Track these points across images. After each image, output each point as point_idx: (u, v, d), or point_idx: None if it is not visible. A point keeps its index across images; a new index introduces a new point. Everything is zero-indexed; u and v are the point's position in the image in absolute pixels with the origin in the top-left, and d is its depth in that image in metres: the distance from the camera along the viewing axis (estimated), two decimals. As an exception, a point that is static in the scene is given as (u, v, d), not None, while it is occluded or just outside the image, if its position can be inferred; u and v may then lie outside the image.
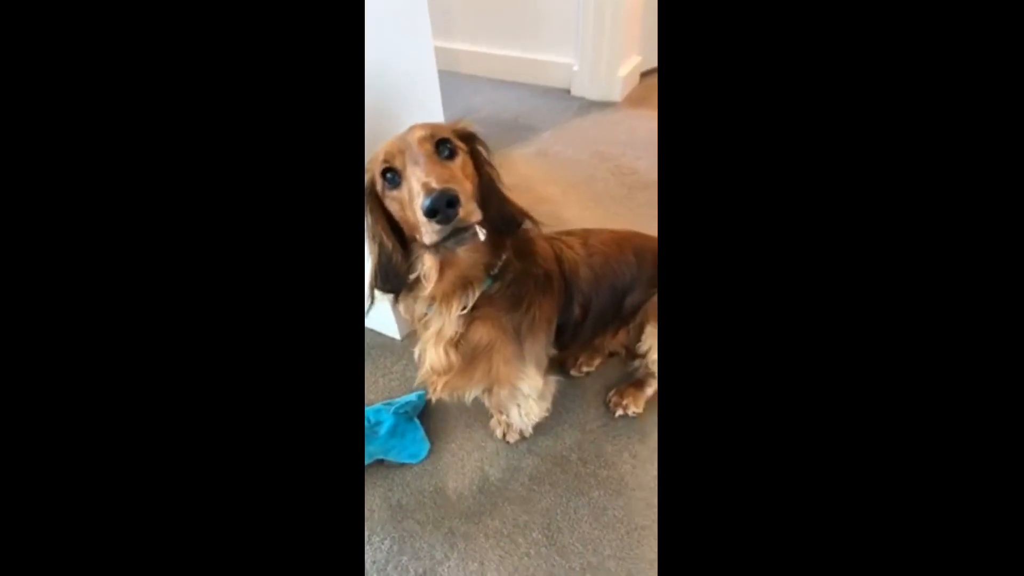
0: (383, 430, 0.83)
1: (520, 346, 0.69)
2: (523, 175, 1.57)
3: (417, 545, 0.75)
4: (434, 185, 0.52)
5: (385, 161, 0.58)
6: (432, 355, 0.69)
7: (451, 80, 2.23)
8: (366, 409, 0.87)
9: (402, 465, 0.84)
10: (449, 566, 0.72)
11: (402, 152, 0.57)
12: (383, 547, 0.75)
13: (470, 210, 0.54)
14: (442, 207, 0.51)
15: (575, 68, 1.96)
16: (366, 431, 0.83)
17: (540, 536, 0.75)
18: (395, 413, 0.85)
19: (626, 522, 0.75)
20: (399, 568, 0.72)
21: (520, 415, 0.80)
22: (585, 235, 0.79)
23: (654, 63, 2.07)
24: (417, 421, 0.86)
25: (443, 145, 0.58)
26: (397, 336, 1.07)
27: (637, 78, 2.04)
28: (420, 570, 0.72)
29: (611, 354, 0.97)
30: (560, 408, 0.90)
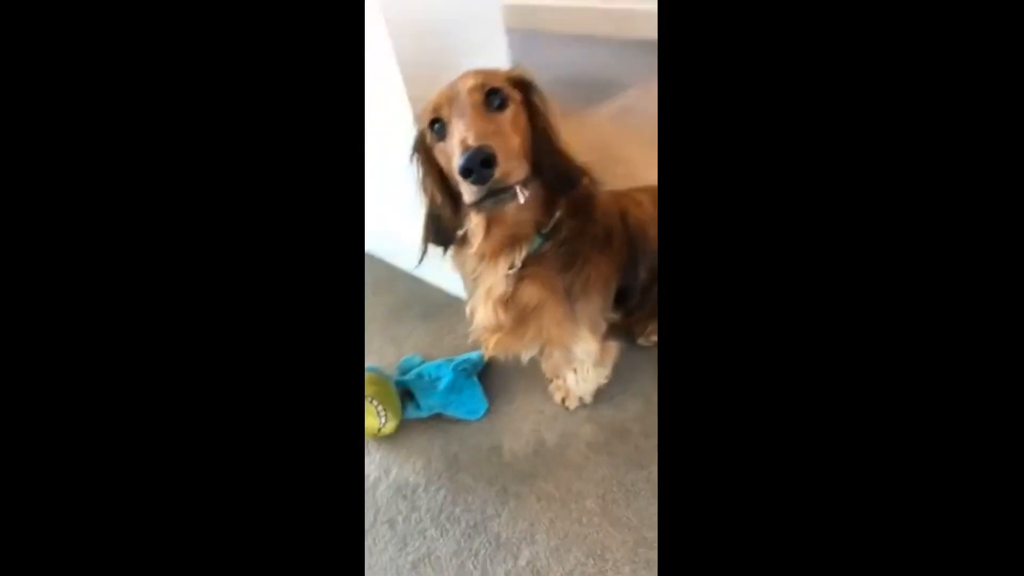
0: (442, 385, 0.84)
1: (572, 307, 0.65)
2: (602, 135, 1.48)
3: (470, 499, 0.76)
4: (471, 142, 0.49)
5: (433, 111, 0.56)
6: (481, 313, 0.67)
7: (531, 39, 2.15)
8: (427, 364, 0.89)
9: (460, 421, 0.85)
10: (500, 522, 0.72)
11: (450, 102, 0.54)
12: (438, 496, 0.76)
13: (509, 169, 0.51)
14: (476, 166, 0.48)
15: (668, 17, 1.79)
16: (426, 385, 0.85)
17: (594, 505, 0.72)
18: (454, 369, 0.85)
19: (688, 501, 0.70)
20: (451, 518, 0.74)
21: (576, 380, 0.77)
22: (657, 192, 0.72)
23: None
24: (475, 379, 0.86)
25: (493, 95, 0.54)
26: (463, 295, 1.07)
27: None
28: (472, 522, 0.73)
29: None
30: (625, 377, 0.85)
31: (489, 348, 0.72)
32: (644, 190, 0.74)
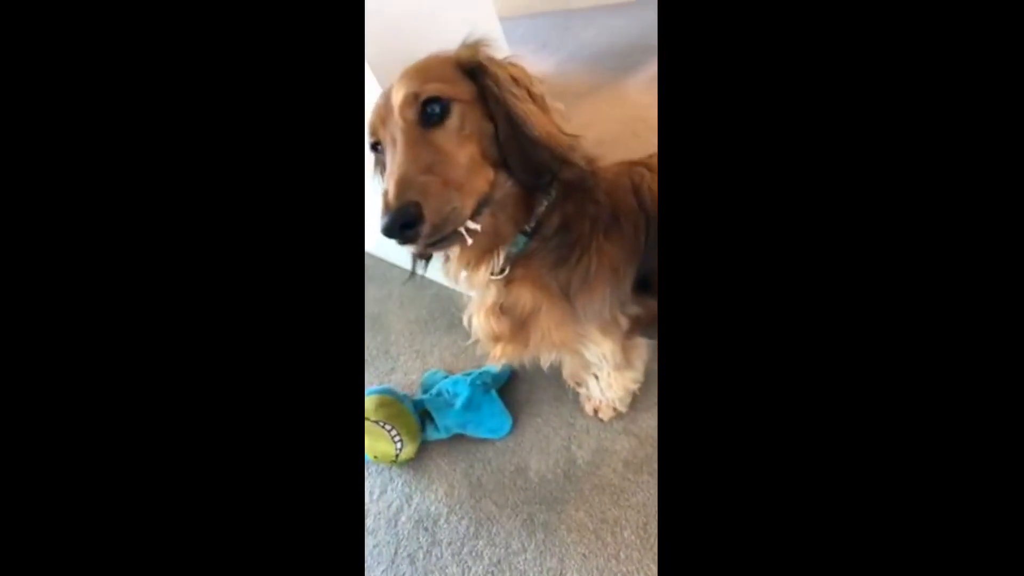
0: (459, 403, 0.76)
1: (572, 306, 0.55)
2: (636, 105, 1.34)
3: (494, 530, 0.67)
4: (391, 199, 0.41)
5: (371, 133, 0.49)
6: (477, 323, 0.59)
7: (561, 19, 2.03)
8: (446, 380, 0.82)
9: (484, 440, 0.77)
10: (525, 558, 0.63)
11: (383, 121, 0.47)
12: (460, 527, 0.69)
13: (444, 216, 0.43)
14: (397, 232, 0.41)
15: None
16: (443, 404, 0.78)
17: (632, 536, 0.61)
18: (471, 384, 0.78)
19: (750, 532, 0.57)
20: (474, 553, 0.66)
21: (600, 388, 0.66)
22: (658, 195, 0.59)
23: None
24: (495, 393, 0.78)
25: (429, 106, 0.46)
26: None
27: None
28: (495, 558, 0.65)
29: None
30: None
31: (495, 358, 0.64)
32: (652, 156, 0.61)
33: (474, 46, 0.51)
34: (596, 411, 0.73)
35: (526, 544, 0.65)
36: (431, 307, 1.05)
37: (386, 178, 0.45)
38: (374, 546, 0.71)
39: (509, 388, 0.82)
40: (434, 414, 0.77)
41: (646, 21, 1.72)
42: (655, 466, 0.66)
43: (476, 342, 0.65)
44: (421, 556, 0.68)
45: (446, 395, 0.80)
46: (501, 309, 0.58)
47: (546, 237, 0.53)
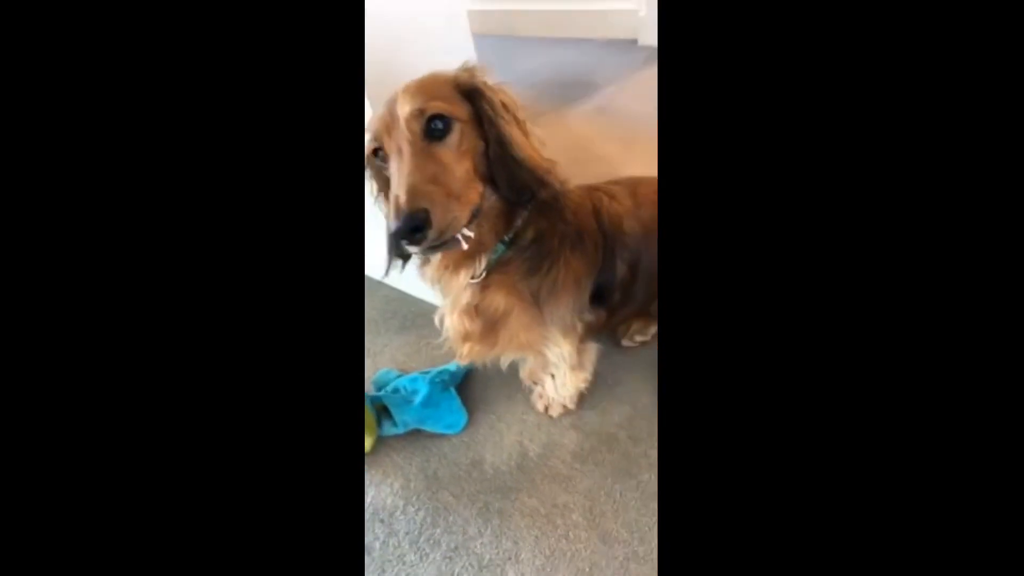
0: (418, 399, 0.80)
1: (540, 311, 0.62)
2: (579, 134, 1.46)
3: (451, 519, 0.71)
4: (403, 204, 0.46)
5: (374, 140, 0.53)
6: (449, 322, 0.64)
7: (507, 45, 2.13)
8: (403, 378, 0.85)
9: (440, 435, 0.81)
10: (482, 542, 0.68)
11: (388, 130, 0.51)
12: (417, 518, 0.72)
13: (448, 222, 0.49)
14: (408, 234, 0.46)
15: (641, 14, 1.78)
16: (401, 400, 0.81)
17: (580, 519, 0.68)
18: (430, 382, 0.81)
19: (680, 510, 0.66)
20: (431, 541, 0.69)
21: (555, 386, 0.73)
22: (633, 184, 0.69)
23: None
24: (453, 391, 0.82)
25: (434, 122, 0.50)
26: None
27: (714, 19, 1.82)
28: (453, 544, 0.69)
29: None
30: (610, 381, 0.82)
31: (463, 356, 0.69)
32: (618, 182, 0.70)
33: (472, 70, 0.56)
34: (547, 408, 0.80)
35: (482, 530, 0.69)
36: (382, 308, 1.07)
37: (396, 184, 0.49)
38: (327, 539, 0.71)
39: (464, 387, 0.87)
40: (392, 410, 0.80)
41: (584, 57, 1.87)
42: (600, 457, 0.74)
43: (444, 340, 0.70)
44: (378, 547, 0.70)
45: (403, 392, 0.82)
46: (475, 311, 0.63)
47: (521, 248, 0.60)
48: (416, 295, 1.07)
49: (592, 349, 0.72)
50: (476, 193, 0.54)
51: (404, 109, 0.51)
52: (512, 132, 0.55)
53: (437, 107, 0.51)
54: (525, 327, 0.64)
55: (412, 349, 0.97)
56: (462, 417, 0.80)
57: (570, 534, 0.67)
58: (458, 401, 0.81)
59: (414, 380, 0.83)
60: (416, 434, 0.81)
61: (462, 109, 0.53)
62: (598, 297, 0.68)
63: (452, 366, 0.86)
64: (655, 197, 0.68)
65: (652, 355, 0.85)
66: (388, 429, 0.80)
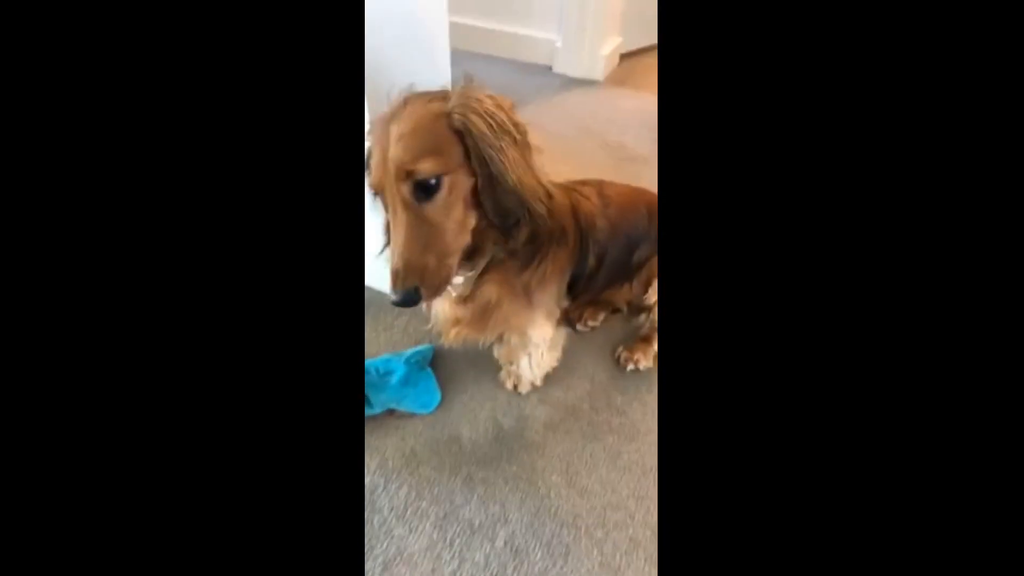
0: (395, 379, 0.81)
1: (529, 299, 0.70)
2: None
3: (436, 491, 0.73)
4: (397, 281, 0.53)
5: (374, 187, 0.57)
6: (439, 309, 0.69)
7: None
8: (374, 361, 0.85)
9: (412, 416, 0.82)
10: (470, 509, 0.72)
11: (381, 184, 0.56)
12: (400, 494, 0.73)
13: (440, 282, 0.56)
14: (403, 305, 0.55)
15: (558, 44, 1.96)
16: (376, 381, 0.81)
17: (559, 479, 0.76)
18: (407, 363, 0.82)
19: (641, 464, 0.78)
20: (418, 513, 0.71)
21: (531, 365, 0.81)
22: (599, 185, 0.80)
23: (634, 45, 2.11)
24: (430, 370, 0.85)
25: (425, 183, 0.54)
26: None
27: (617, 59, 2.07)
28: (441, 514, 0.71)
29: (614, 310, 0.99)
30: (569, 362, 0.91)
31: (449, 339, 0.73)
32: (585, 183, 0.81)
33: (464, 97, 0.55)
34: (515, 386, 0.86)
35: (468, 498, 0.73)
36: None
37: (393, 244, 0.55)
38: (304, 524, 0.69)
39: (433, 368, 0.89)
40: (368, 391, 0.79)
41: (509, 76, 2.00)
42: (568, 426, 0.83)
43: (431, 326, 0.74)
44: (363, 526, 0.69)
45: (376, 373, 0.82)
46: (467, 300, 0.69)
47: (515, 249, 0.65)
48: (370, 284, 1.06)
49: (562, 332, 0.81)
50: (467, 233, 0.59)
51: (392, 162, 0.53)
52: (505, 159, 0.56)
53: (426, 170, 0.53)
54: (515, 314, 0.72)
55: (370, 336, 0.96)
56: (437, 396, 0.83)
57: (551, 492, 0.74)
58: (434, 380, 0.84)
59: (387, 361, 0.83)
60: (387, 416, 0.82)
61: (454, 154, 0.54)
62: (570, 286, 0.77)
63: (424, 348, 0.87)
64: (619, 199, 0.80)
65: (603, 337, 0.96)
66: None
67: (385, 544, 0.68)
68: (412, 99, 0.57)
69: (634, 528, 0.70)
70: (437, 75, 0.96)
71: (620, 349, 0.91)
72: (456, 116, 0.55)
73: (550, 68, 2.03)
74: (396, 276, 0.53)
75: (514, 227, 0.61)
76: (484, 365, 0.90)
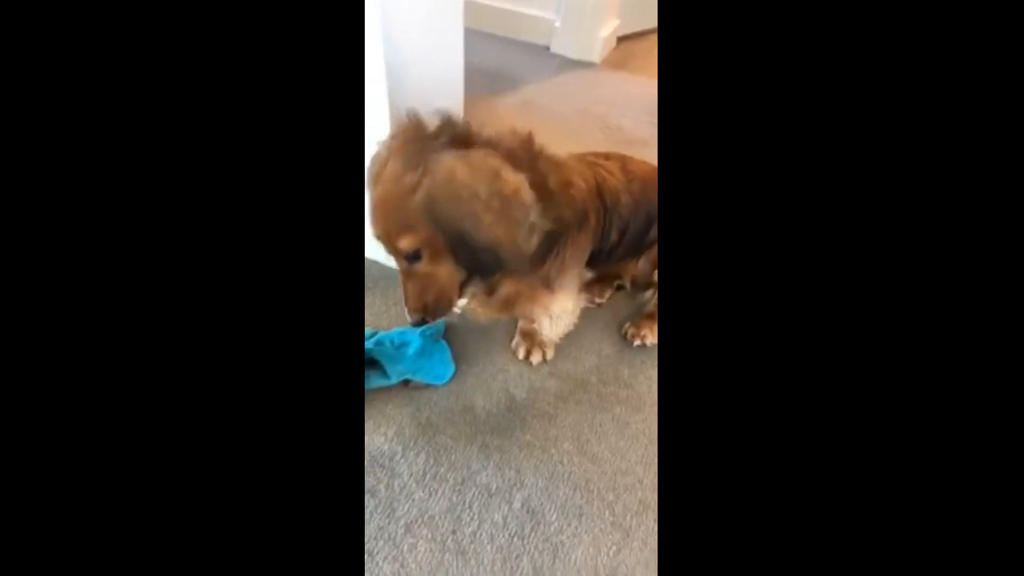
0: (411, 351, 0.82)
1: (549, 287, 0.74)
2: (509, 122, 1.56)
3: (453, 458, 0.76)
4: (408, 315, 0.67)
5: (377, 238, 0.63)
6: (464, 302, 0.73)
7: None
8: (389, 333, 0.86)
9: (426, 387, 0.84)
10: (487, 474, 0.74)
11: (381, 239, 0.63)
12: (419, 460, 0.75)
13: (443, 309, 0.67)
14: (417, 324, 0.68)
15: (556, 24, 1.95)
16: (392, 352, 0.82)
17: (571, 447, 0.79)
18: (421, 335, 0.84)
19: (647, 433, 0.81)
20: (437, 478, 0.73)
21: (550, 327, 0.84)
22: (623, 160, 0.82)
23: (631, 28, 2.12)
24: (444, 343, 0.86)
25: (408, 254, 0.62)
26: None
27: (615, 41, 2.08)
28: (459, 479, 0.73)
29: (618, 287, 1.02)
30: (577, 337, 0.93)
31: (479, 317, 0.79)
32: (608, 156, 0.83)
33: (435, 173, 0.56)
34: (527, 354, 0.89)
35: (485, 464, 0.76)
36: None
37: (404, 295, 0.66)
38: (326, 488, 0.70)
39: (447, 341, 0.91)
40: (383, 361, 0.81)
41: (507, 54, 1.98)
42: (578, 397, 0.86)
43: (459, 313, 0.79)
44: (383, 489, 0.72)
45: (390, 345, 0.84)
46: (488, 294, 0.73)
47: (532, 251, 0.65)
48: (377, 259, 1.06)
49: (582, 299, 0.84)
50: (460, 276, 0.66)
51: (376, 234, 0.62)
52: (477, 226, 0.57)
53: (405, 246, 0.61)
54: (536, 301, 0.76)
55: (380, 309, 0.97)
56: (451, 368, 0.85)
57: (564, 459, 0.77)
58: (449, 352, 0.85)
59: (403, 333, 0.85)
60: (402, 387, 0.83)
61: (427, 225, 0.58)
62: (591, 258, 0.79)
63: (440, 321, 0.89)
64: (641, 174, 0.82)
65: (609, 314, 0.99)
66: (377, 381, 0.81)
67: (407, 507, 0.70)
68: (394, 152, 0.60)
69: (643, 491, 0.74)
70: (451, 54, 0.96)
71: (627, 325, 0.94)
72: (419, 196, 0.57)
73: (547, 48, 2.02)
74: (407, 310, 0.66)
75: (493, 275, 0.67)
76: (496, 338, 0.92)
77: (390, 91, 0.82)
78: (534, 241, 0.61)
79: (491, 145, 0.61)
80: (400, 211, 0.58)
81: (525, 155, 0.64)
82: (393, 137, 0.62)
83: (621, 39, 2.12)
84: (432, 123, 0.62)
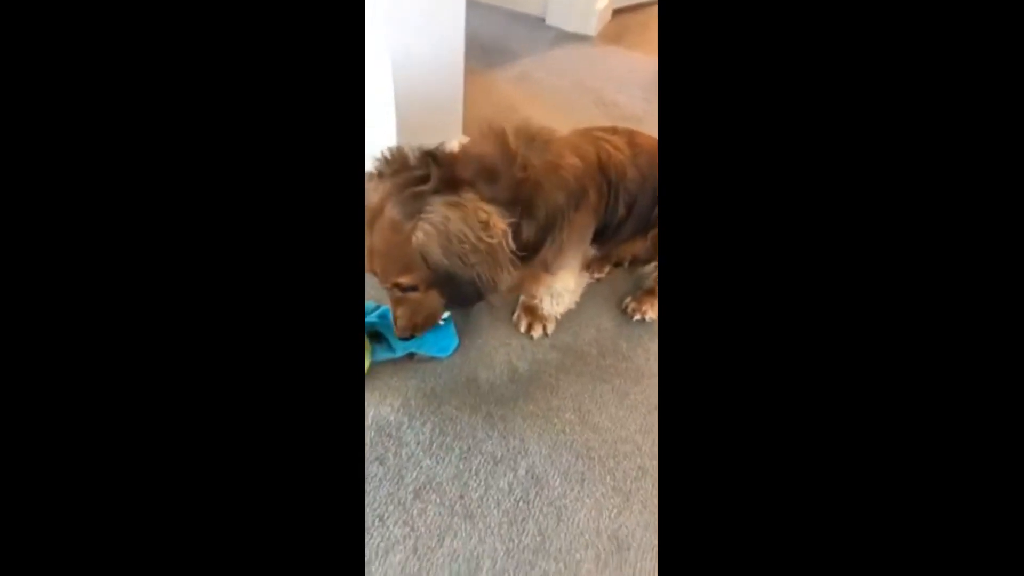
0: (416, 323, 0.83)
1: (548, 270, 0.75)
2: (506, 96, 1.55)
3: (458, 427, 0.78)
4: (398, 332, 0.74)
5: (372, 273, 0.69)
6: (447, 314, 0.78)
7: None
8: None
9: (430, 359, 0.85)
10: (492, 443, 0.77)
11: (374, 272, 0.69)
12: (425, 430, 0.77)
13: (430, 325, 0.75)
14: (407, 338, 0.76)
15: (551, -5, 1.92)
16: (397, 325, 0.83)
17: (573, 416, 0.81)
18: (426, 308, 0.85)
19: (646, 403, 0.84)
20: (444, 447, 0.75)
21: (551, 304, 0.85)
22: (630, 135, 0.83)
23: (626, 0, 2.09)
24: (449, 316, 0.87)
25: (404, 287, 0.68)
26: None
27: (610, 14, 2.05)
28: (465, 447, 0.76)
29: (616, 263, 1.04)
30: (577, 311, 0.95)
31: None
32: (616, 131, 0.83)
33: (432, 221, 0.61)
34: (529, 328, 0.90)
35: (490, 433, 0.78)
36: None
37: (394, 315, 0.73)
38: (336, 457, 0.72)
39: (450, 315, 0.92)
40: (388, 335, 0.82)
41: (502, 26, 1.95)
42: (579, 368, 0.88)
43: None
44: (391, 457, 0.73)
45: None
46: None
47: (521, 245, 0.67)
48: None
49: (584, 277, 0.85)
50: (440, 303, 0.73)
51: (375, 274, 0.68)
52: (464, 269, 0.63)
53: (403, 284, 0.67)
54: (537, 284, 0.78)
55: (381, 283, 0.97)
56: (455, 340, 0.86)
57: (566, 428, 0.80)
58: (453, 326, 0.87)
59: (407, 307, 0.85)
60: (407, 359, 0.85)
61: (420, 268, 0.64)
62: (598, 234, 0.81)
63: (441, 295, 0.90)
64: (648, 148, 0.82)
65: (608, 289, 1.01)
66: (382, 353, 0.82)
67: (415, 473, 0.72)
68: (387, 196, 0.63)
69: (642, 458, 0.77)
70: (453, 28, 0.94)
71: (628, 300, 0.96)
72: (416, 243, 0.62)
73: (543, 20, 1.99)
74: (397, 328, 0.74)
75: (472, 304, 0.76)
76: (498, 312, 0.94)
77: (394, 64, 0.81)
78: (510, 278, 0.67)
79: (475, 175, 0.64)
80: (399, 255, 0.64)
81: (503, 162, 0.66)
82: (380, 174, 0.66)
83: (616, 12, 2.09)
84: (413, 157, 0.65)
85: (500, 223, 0.63)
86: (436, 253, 0.62)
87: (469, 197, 0.62)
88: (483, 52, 1.74)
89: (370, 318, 0.84)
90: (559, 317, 0.91)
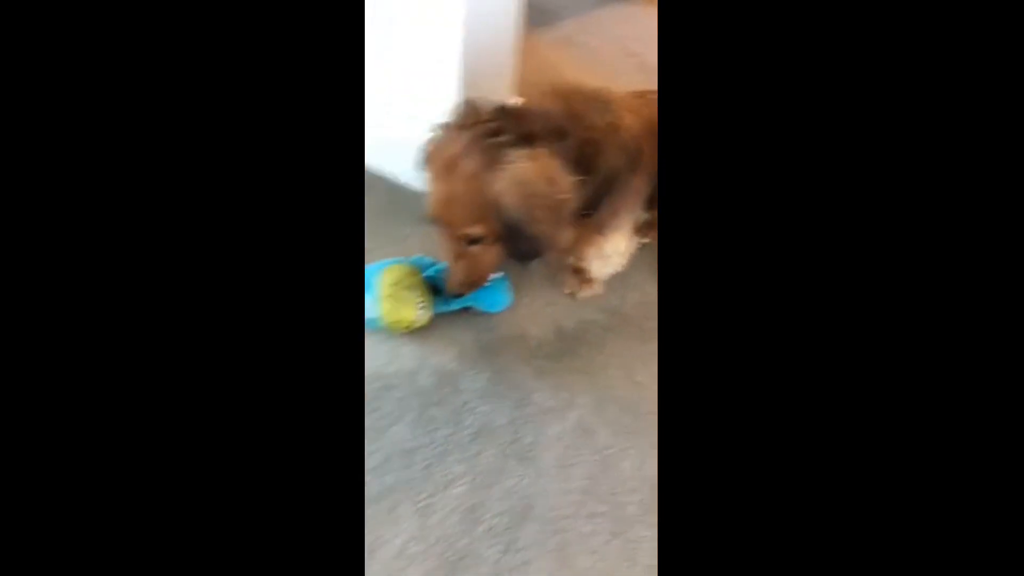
0: (471, 279, 0.87)
1: (601, 232, 0.79)
2: (550, 60, 1.53)
3: (511, 378, 0.83)
4: (451, 288, 0.79)
5: (431, 217, 0.73)
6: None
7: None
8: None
9: (482, 314, 0.90)
10: (542, 394, 0.81)
11: (438, 221, 0.73)
12: (481, 378, 0.82)
13: (480, 285, 0.80)
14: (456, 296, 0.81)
15: (597, -48, 1.86)
16: (454, 280, 0.87)
17: (618, 373, 0.86)
18: (481, 265, 0.88)
19: (687, 365, 0.88)
20: (497, 395, 0.80)
21: (600, 266, 0.89)
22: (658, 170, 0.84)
23: (672, -39, 2.02)
24: (503, 273, 0.91)
25: (471, 238, 0.71)
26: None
27: (655, -25, 1.99)
28: (517, 398, 0.81)
29: (661, 231, 1.06)
30: (622, 274, 0.98)
31: None
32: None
33: (514, 180, 0.63)
34: (574, 292, 0.94)
35: (540, 385, 0.83)
36: (391, 197, 1.07)
37: (448, 270, 0.77)
38: (399, 399, 0.78)
39: (498, 274, 0.96)
40: (445, 288, 0.86)
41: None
42: (622, 330, 0.92)
43: None
44: (450, 402, 0.79)
45: (451, 273, 0.88)
46: None
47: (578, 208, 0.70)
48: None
49: (634, 240, 0.88)
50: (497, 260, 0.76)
51: (447, 222, 0.71)
52: (532, 226, 0.66)
53: (475, 232, 0.69)
54: (588, 242, 0.81)
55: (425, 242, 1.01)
56: (508, 297, 0.90)
57: (612, 383, 0.84)
58: (507, 283, 0.90)
59: (463, 263, 0.89)
60: (461, 313, 0.89)
61: (492, 223, 0.67)
62: (649, 198, 0.83)
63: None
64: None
65: (652, 255, 1.04)
66: (440, 306, 0.86)
67: (471, 419, 0.78)
68: (466, 147, 0.65)
69: (683, 415, 0.82)
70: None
71: None
72: (493, 192, 0.64)
73: (586, -22, 1.93)
74: (451, 284, 0.78)
75: (529, 260, 0.77)
76: (545, 274, 0.97)
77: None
78: (568, 236, 0.70)
79: (546, 132, 0.66)
80: (474, 204, 0.66)
81: (569, 122, 0.68)
82: (458, 127, 0.67)
83: (662, -28, 2.03)
84: (485, 111, 0.67)
85: (566, 179, 0.66)
86: (513, 203, 0.64)
87: (543, 152, 0.64)
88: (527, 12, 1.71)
89: (429, 272, 0.88)
90: (595, 290, 0.94)
